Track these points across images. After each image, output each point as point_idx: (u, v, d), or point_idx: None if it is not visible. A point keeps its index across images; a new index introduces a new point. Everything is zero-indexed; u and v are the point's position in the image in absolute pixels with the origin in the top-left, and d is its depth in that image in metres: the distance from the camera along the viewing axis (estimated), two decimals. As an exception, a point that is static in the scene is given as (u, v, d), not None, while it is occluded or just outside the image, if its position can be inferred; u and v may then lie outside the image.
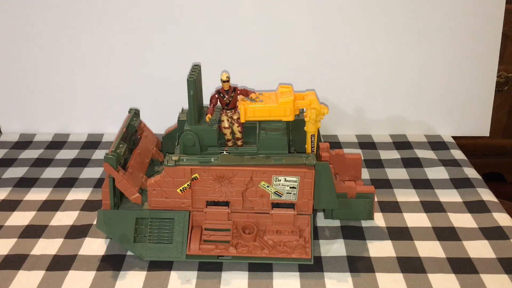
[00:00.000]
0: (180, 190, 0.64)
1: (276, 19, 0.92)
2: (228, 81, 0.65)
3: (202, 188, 0.65)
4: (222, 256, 0.64)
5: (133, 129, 0.73)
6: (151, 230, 0.65)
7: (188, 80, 0.64)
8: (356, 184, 0.70)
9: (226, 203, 0.66)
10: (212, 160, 0.64)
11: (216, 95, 0.66)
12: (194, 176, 0.64)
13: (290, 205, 0.66)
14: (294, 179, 0.64)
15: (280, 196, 0.65)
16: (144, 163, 0.72)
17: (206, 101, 0.69)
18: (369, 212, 0.71)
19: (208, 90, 0.73)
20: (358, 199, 0.70)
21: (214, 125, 0.66)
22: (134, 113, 0.76)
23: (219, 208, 0.66)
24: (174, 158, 0.64)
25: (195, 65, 0.68)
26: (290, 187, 0.65)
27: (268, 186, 0.64)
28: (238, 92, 0.66)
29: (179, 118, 0.74)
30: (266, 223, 0.66)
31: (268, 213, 0.66)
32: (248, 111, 0.64)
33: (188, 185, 0.64)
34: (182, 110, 0.76)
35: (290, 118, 0.64)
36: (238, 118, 0.66)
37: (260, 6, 0.91)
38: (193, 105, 0.65)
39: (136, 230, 0.65)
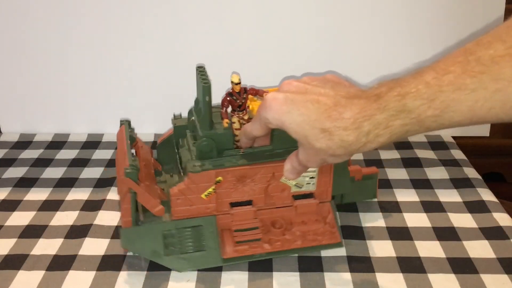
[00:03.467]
0: (205, 195, 0.63)
1: (276, 18, 0.92)
2: (240, 83, 0.64)
3: (226, 190, 0.64)
4: (258, 254, 0.65)
5: (133, 141, 0.71)
6: (181, 241, 0.63)
7: (203, 86, 0.62)
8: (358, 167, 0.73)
9: (247, 203, 0.66)
10: (235, 161, 0.63)
11: (228, 98, 0.65)
12: (218, 179, 0.63)
13: (309, 195, 0.67)
14: (313, 169, 0.64)
15: (301, 188, 0.66)
16: (151, 174, 0.70)
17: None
18: (374, 192, 0.75)
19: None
20: (364, 181, 0.73)
21: (229, 128, 0.65)
22: (128, 124, 0.73)
23: (244, 207, 0.66)
24: (197, 163, 0.62)
25: (200, 68, 0.66)
26: (310, 178, 0.66)
27: (290, 180, 0.65)
28: (250, 92, 0.66)
29: (175, 124, 0.73)
30: (290, 215, 0.67)
31: (291, 206, 0.67)
32: None
33: (213, 189, 0.63)
34: (174, 116, 0.75)
35: None
36: (249, 119, 0.66)
37: (260, 5, 0.91)
38: (208, 111, 0.64)
39: (165, 243, 0.63)
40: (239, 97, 0.65)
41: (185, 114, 0.75)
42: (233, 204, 0.66)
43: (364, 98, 0.48)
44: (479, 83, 0.43)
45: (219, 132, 0.64)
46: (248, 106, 0.67)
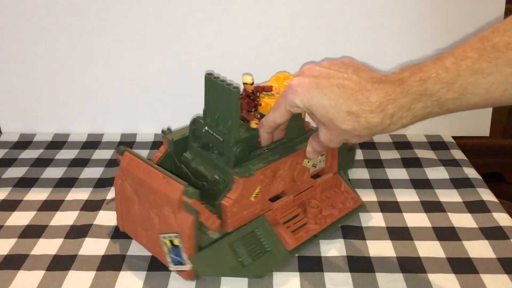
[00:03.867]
0: (254, 197, 0.63)
1: (275, 17, 0.92)
2: (253, 83, 0.64)
3: (266, 187, 0.65)
4: (314, 235, 0.67)
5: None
6: (247, 249, 0.62)
7: (233, 91, 0.61)
8: None
9: (277, 196, 0.68)
10: (270, 157, 0.65)
11: (246, 100, 0.65)
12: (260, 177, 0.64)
13: (318, 175, 0.73)
14: None
15: (316, 167, 0.71)
16: None
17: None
18: (353, 161, 0.85)
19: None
20: (349, 152, 0.82)
21: (254, 129, 0.65)
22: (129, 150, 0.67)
23: (282, 199, 0.68)
24: (242, 169, 0.62)
25: (211, 74, 0.64)
26: (321, 156, 0.71)
27: (308, 162, 0.69)
28: (258, 91, 0.66)
29: (172, 139, 0.69)
30: (314, 194, 0.71)
31: (312, 186, 0.71)
32: None
33: (259, 189, 0.63)
34: (163, 131, 0.70)
35: None
36: (261, 117, 0.65)
37: (259, 4, 0.91)
38: (238, 116, 0.63)
39: (237, 255, 0.61)
40: (255, 97, 0.65)
41: (175, 126, 0.73)
42: (271, 200, 0.67)
43: (388, 83, 0.51)
44: (495, 68, 0.46)
45: (249, 135, 0.64)
46: (261, 104, 0.67)
